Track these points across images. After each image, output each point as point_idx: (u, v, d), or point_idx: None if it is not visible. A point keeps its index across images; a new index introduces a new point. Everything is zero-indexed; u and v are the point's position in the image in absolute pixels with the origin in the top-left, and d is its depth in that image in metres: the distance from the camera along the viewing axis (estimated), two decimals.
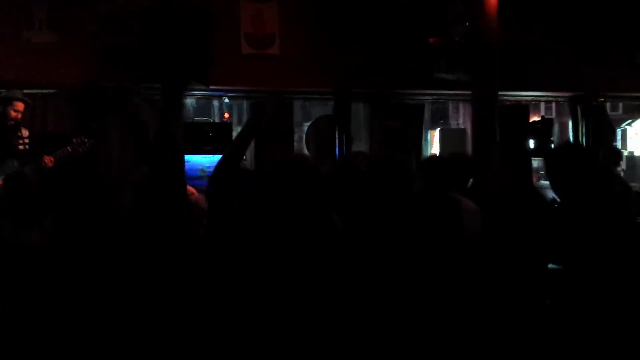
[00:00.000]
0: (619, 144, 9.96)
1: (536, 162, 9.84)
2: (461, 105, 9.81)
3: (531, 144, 8.67)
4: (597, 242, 2.41)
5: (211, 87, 7.91)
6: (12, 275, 2.50)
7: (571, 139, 9.04)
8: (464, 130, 9.10)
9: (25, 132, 6.49)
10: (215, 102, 9.21)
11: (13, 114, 6.41)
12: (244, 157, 9.31)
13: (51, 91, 7.50)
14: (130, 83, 7.26)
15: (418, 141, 8.49)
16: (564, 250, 2.57)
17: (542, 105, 10.50)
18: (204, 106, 9.27)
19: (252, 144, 8.52)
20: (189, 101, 8.69)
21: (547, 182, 2.96)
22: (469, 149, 7.48)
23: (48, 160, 6.13)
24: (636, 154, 10.64)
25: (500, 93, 7.49)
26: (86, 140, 6.39)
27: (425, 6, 8.03)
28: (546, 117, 9.61)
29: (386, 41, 8.02)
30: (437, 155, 7.64)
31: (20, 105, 6.46)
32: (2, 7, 7.29)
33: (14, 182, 3.81)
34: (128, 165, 7.01)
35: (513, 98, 8.84)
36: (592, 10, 8.46)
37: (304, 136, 8.58)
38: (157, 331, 2.39)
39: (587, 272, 2.45)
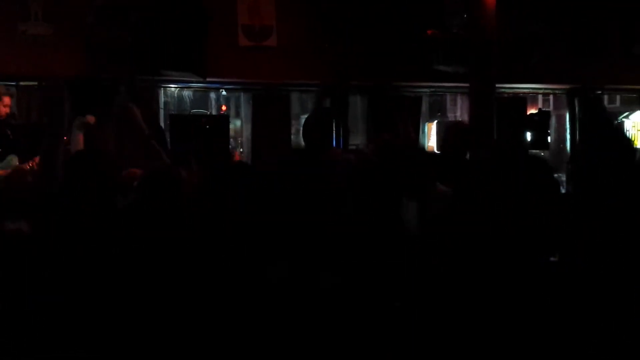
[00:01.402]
0: None
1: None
2: (459, 98, 9.80)
3: (528, 136, 8.68)
4: (599, 240, 2.41)
5: (208, 79, 7.89)
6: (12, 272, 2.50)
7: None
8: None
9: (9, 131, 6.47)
10: (212, 95, 9.18)
11: (3, 109, 6.40)
12: (241, 150, 9.32)
13: (44, 83, 7.47)
14: (125, 76, 7.24)
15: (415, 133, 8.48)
16: (564, 247, 2.57)
17: (540, 97, 10.49)
18: (201, 98, 9.25)
19: (249, 138, 8.54)
20: (186, 93, 8.67)
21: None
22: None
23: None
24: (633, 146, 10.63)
25: (497, 85, 7.49)
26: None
27: None
28: (543, 109, 9.61)
29: (384, 33, 7.99)
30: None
31: (7, 100, 6.46)
32: None
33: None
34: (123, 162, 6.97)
35: (510, 90, 8.83)
36: (589, 2, 8.44)
37: (301, 129, 8.54)
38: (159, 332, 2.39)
39: (587, 271, 2.45)
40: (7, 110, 6.45)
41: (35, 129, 6.92)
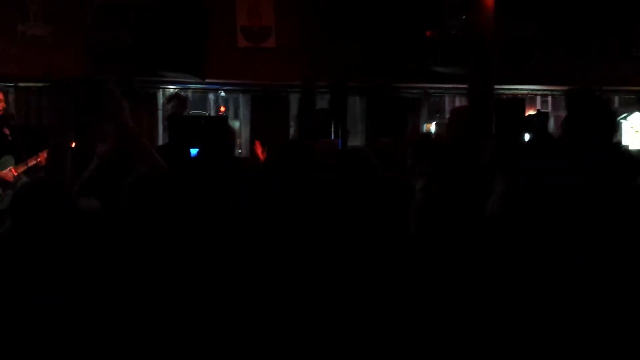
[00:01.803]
0: None
1: None
2: (457, 99, 9.80)
3: (527, 137, 8.67)
4: (599, 241, 2.41)
5: (207, 80, 7.89)
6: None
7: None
8: None
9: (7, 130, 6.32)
10: (211, 96, 9.18)
11: None
12: (239, 151, 9.30)
13: (46, 84, 7.47)
14: (124, 76, 7.23)
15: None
16: (565, 247, 2.57)
17: (538, 98, 10.50)
18: (199, 100, 9.24)
19: (248, 139, 8.54)
20: (184, 94, 8.66)
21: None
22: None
23: (42, 158, 6.05)
24: (631, 147, 10.64)
25: (496, 87, 7.50)
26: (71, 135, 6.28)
27: None
28: (542, 110, 9.60)
29: (382, 34, 8.00)
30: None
31: (1, 95, 6.30)
32: None
33: None
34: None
35: (509, 92, 8.84)
36: (588, 3, 8.45)
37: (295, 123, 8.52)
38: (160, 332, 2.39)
39: (587, 272, 2.45)
40: (3, 105, 6.27)
41: (34, 130, 6.91)
